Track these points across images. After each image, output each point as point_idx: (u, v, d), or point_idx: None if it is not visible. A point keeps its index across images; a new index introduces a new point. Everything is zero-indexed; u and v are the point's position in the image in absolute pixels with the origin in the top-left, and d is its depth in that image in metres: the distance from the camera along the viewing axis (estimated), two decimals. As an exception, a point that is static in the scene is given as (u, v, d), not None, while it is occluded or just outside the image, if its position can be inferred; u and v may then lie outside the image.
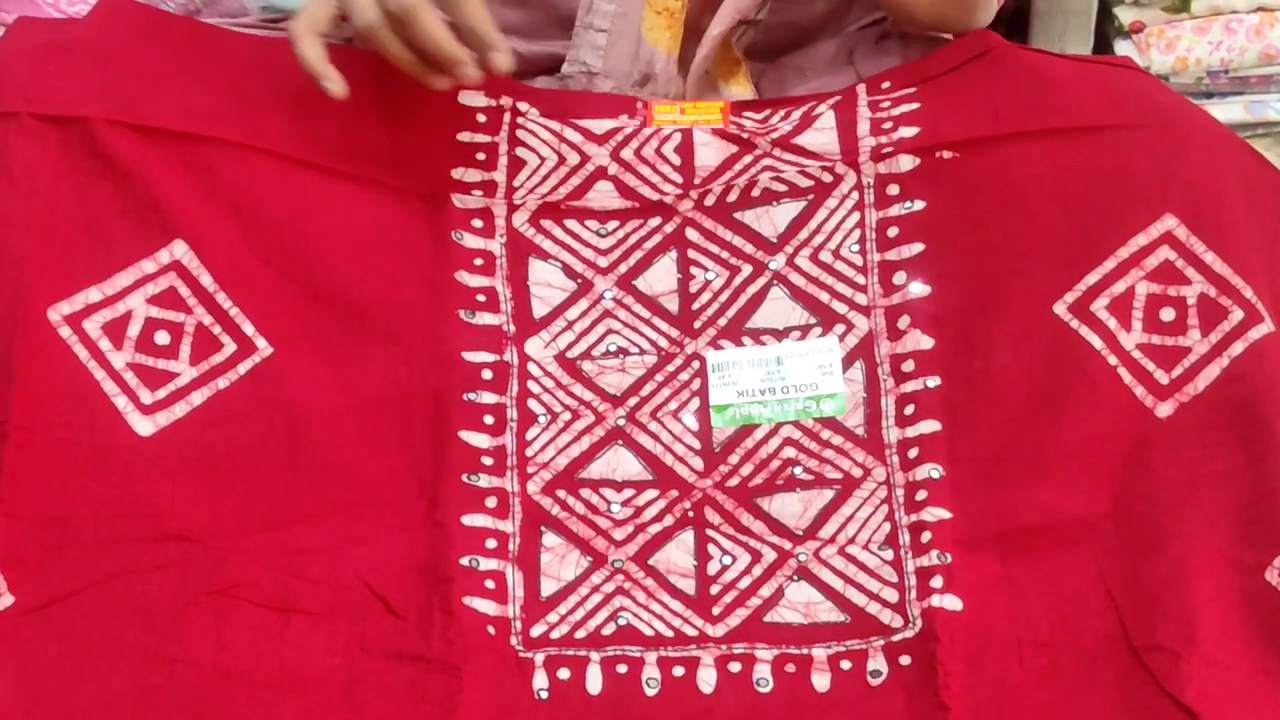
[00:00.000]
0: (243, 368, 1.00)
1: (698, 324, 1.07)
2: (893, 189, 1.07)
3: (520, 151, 1.08)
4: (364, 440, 1.02)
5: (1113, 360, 1.01)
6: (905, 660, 0.96)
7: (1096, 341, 1.01)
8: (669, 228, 1.08)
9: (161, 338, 0.99)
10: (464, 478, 1.02)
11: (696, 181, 1.08)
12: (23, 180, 0.96)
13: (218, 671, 0.94)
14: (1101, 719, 0.93)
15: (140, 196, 0.98)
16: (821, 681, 0.97)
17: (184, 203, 0.99)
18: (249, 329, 1.01)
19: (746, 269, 1.08)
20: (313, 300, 1.02)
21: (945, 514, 1.00)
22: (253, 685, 0.94)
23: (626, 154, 1.08)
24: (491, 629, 0.98)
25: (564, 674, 0.97)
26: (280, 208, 1.02)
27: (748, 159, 1.09)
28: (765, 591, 1.00)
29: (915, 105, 1.07)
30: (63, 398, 0.96)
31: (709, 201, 1.08)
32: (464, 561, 0.99)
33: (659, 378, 1.06)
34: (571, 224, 1.08)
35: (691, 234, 1.08)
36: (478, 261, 1.07)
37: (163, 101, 1.00)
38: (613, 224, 1.09)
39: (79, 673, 0.92)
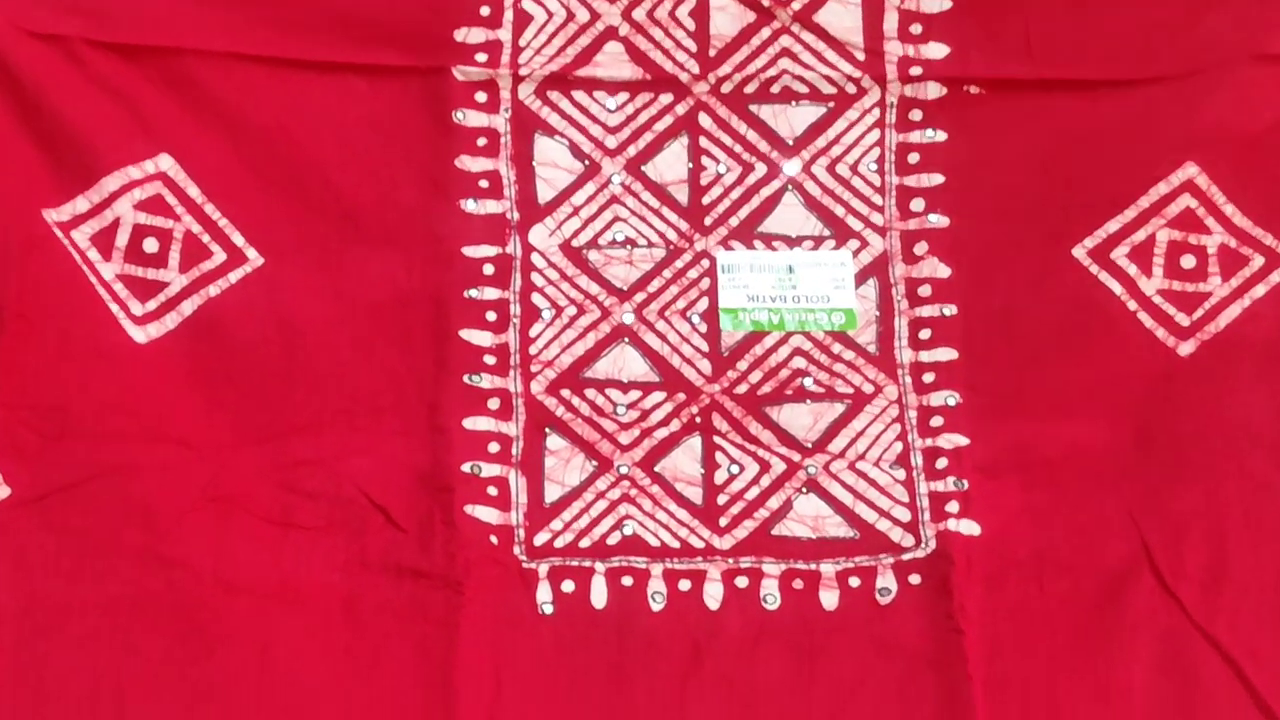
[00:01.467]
0: (234, 276, 1.00)
1: (708, 220, 1.05)
2: (915, 114, 1.06)
3: (526, 5, 1.05)
4: (361, 347, 1.00)
5: (1133, 305, 1.02)
6: (915, 579, 0.97)
7: (1116, 287, 1.02)
8: (681, 109, 1.06)
9: (150, 245, 0.99)
10: (465, 379, 1.00)
11: (711, 54, 1.05)
12: (6, 94, 0.97)
13: (217, 580, 0.93)
14: (1124, 644, 0.94)
15: (125, 112, 0.99)
16: (829, 599, 0.97)
17: (170, 119, 1.00)
18: (239, 240, 1.00)
19: (761, 168, 1.06)
20: (306, 208, 1.01)
21: (963, 440, 1.00)
22: (253, 596, 0.93)
23: (639, 14, 1.05)
24: (494, 538, 0.97)
25: (568, 586, 0.96)
26: (269, 115, 1.01)
27: (765, 33, 1.06)
28: (773, 503, 1.00)
29: (948, 4, 1.06)
30: (60, 292, 0.96)
31: (725, 89, 1.06)
32: (465, 468, 0.98)
33: (667, 274, 1.04)
34: (580, 96, 1.05)
35: (704, 120, 1.06)
36: (481, 142, 1.04)
37: (142, 15, 1.00)
38: (623, 96, 1.05)
39: (76, 571, 0.92)
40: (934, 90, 1.05)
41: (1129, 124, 1.03)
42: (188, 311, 0.98)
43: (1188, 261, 1.03)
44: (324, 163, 1.01)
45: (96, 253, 0.97)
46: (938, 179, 1.05)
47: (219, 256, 1.00)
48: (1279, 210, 1.03)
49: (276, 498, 0.96)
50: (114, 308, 0.97)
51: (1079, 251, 1.03)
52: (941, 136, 1.05)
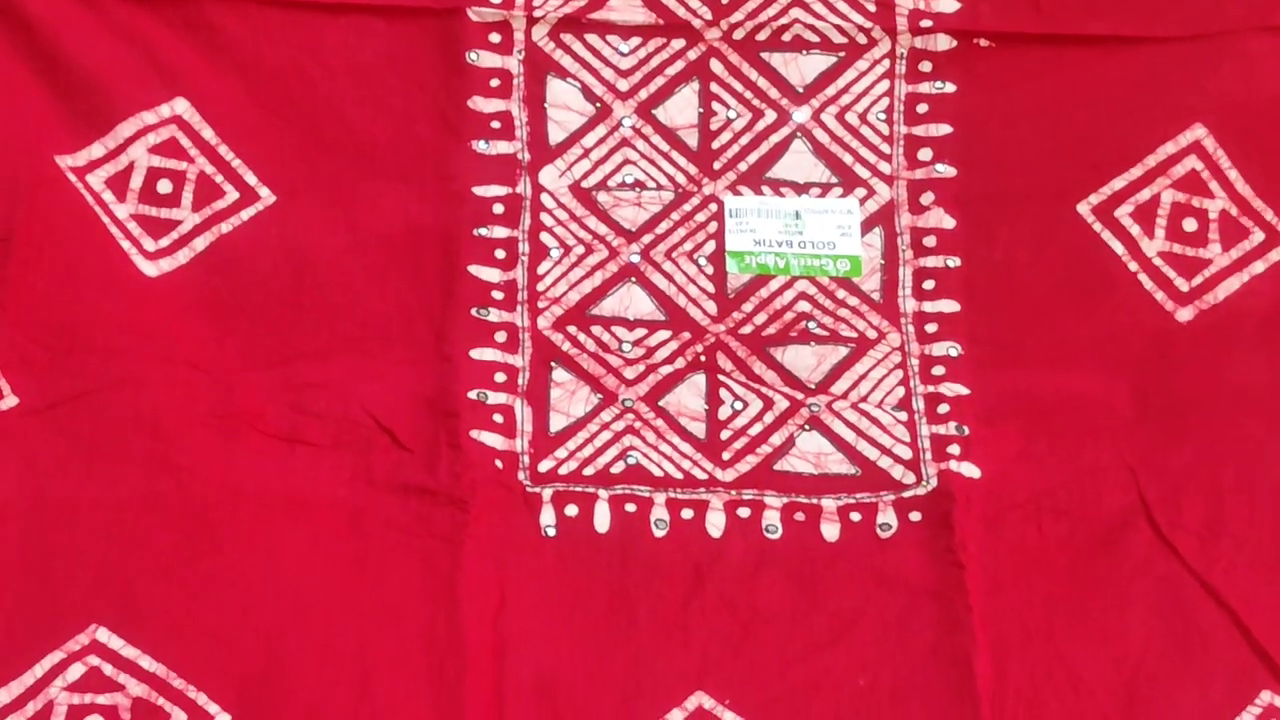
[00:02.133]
0: (246, 214, 1.02)
1: (717, 165, 1.07)
2: (925, 66, 1.08)
3: None
4: (372, 277, 1.02)
5: (1133, 266, 1.04)
6: (915, 516, 0.98)
7: (1118, 247, 1.05)
8: (693, 54, 1.08)
9: (164, 186, 1.01)
10: (473, 312, 1.02)
11: (724, 1, 1.08)
12: (24, 38, 0.99)
13: (225, 486, 0.94)
14: (1119, 588, 0.95)
15: (141, 57, 1.02)
16: (830, 531, 0.98)
17: (186, 64, 1.03)
18: (251, 179, 1.02)
19: (770, 115, 1.08)
20: (320, 145, 1.04)
21: (963, 390, 1.02)
22: (260, 503, 0.94)
23: None
24: (499, 463, 0.98)
25: (572, 510, 0.97)
26: (285, 56, 1.04)
27: None
28: (776, 439, 1.01)
29: None
30: (72, 226, 0.98)
31: (738, 36, 1.08)
32: (472, 395, 0.99)
33: (675, 216, 1.06)
34: (593, 39, 1.08)
35: (716, 66, 1.08)
36: (494, 83, 1.06)
37: None
38: (635, 40, 1.08)
39: (85, 472, 0.93)
40: (944, 42, 1.08)
41: (1137, 82, 1.05)
42: (200, 247, 1.00)
43: (1190, 225, 1.05)
44: (339, 100, 1.04)
45: (111, 194, 1.00)
46: (946, 129, 1.07)
47: (231, 195, 1.02)
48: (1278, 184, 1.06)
49: (285, 416, 0.98)
50: (125, 245, 0.99)
51: (1083, 208, 1.05)
52: (950, 88, 1.08)
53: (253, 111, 1.03)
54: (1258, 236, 1.04)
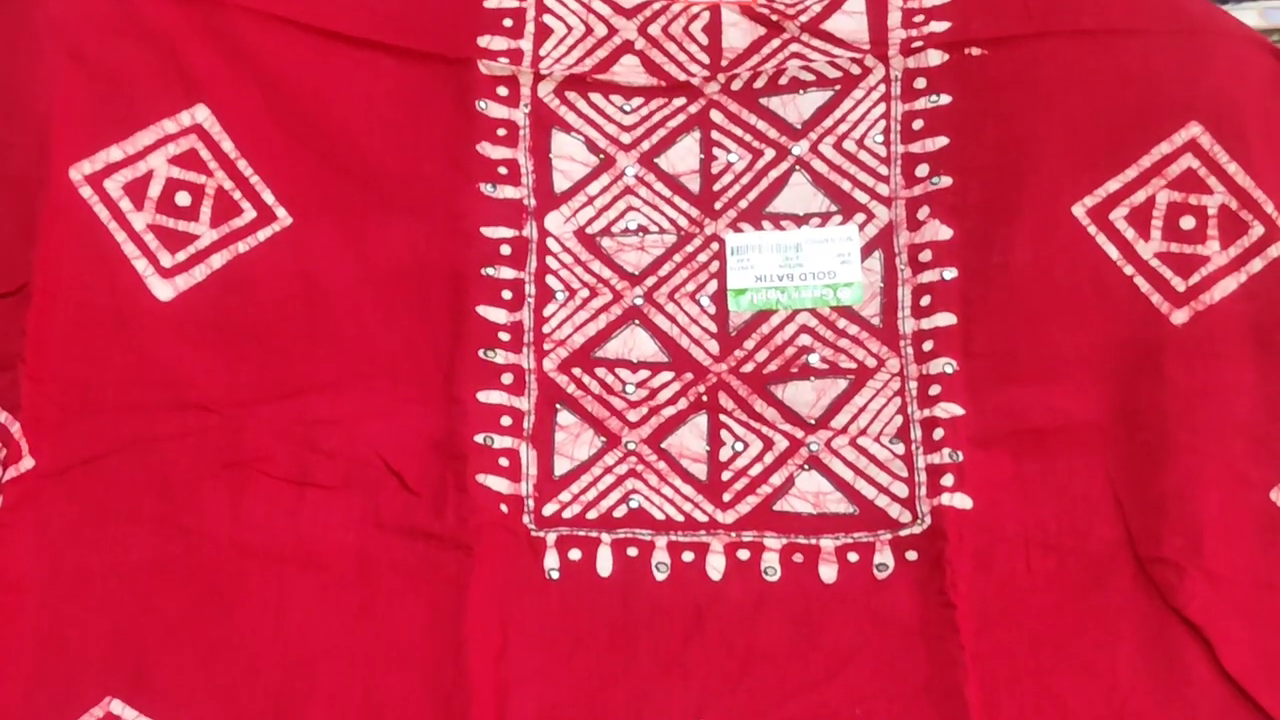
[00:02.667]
0: (262, 234, 1.02)
1: (718, 205, 1.08)
2: (920, 83, 1.09)
3: (547, 19, 1.09)
4: (381, 311, 1.03)
5: (1129, 270, 1.04)
6: (912, 556, 0.99)
7: (1113, 252, 1.04)
8: (693, 108, 1.10)
9: (182, 199, 1.01)
10: (480, 353, 1.03)
11: (723, 64, 1.09)
12: (48, 36, 0.98)
13: (233, 544, 0.96)
14: (1106, 625, 0.96)
15: (165, 59, 1.01)
16: (828, 572, 0.99)
17: (208, 69, 1.02)
18: (269, 198, 1.03)
19: (769, 153, 1.09)
20: (333, 171, 1.04)
21: (958, 410, 1.02)
22: (268, 559, 0.96)
23: (654, 30, 1.10)
24: (504, 507, 0.99)
25: (575, 555, 0.99)
26: (303, 77, 1.04)
27: (775, 43, 1.10)
28: (776, 480, 1.02)
29: None
30: (84, 259, 0.98)
31: (735, 86, 1.09)
32: (479, 439, 1.01)
33: (677, 258, 1.07)
34: (596, 98, 1.09)
35: (716, 116, 1.09)
36: (500, 132, 1.07)
37: None
38: (637, 100, 1.10)
39: (97, 539, 0.94)
40: (935, 58, 1.08)
41: (1132, 76, 1.04)
42: (217, 265, 1.01)
43: (1187, 222, 1.04)
44: (352, 130, 1.05)
45: (129, 202, 1.00)
46: (942, 141, 1.07)
47: (249, 214, 1.02)
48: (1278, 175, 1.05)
49: (295, 456, 0.99)
50: (140, 264, 0.99)
51: (1078, 210, 1.04)
52: (945, 100, 1.08)
53: (271, 127, 1.03)
54: (1257, 231, 1.03)
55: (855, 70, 1.10)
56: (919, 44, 1.09)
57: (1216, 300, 1.03)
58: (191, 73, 1.02)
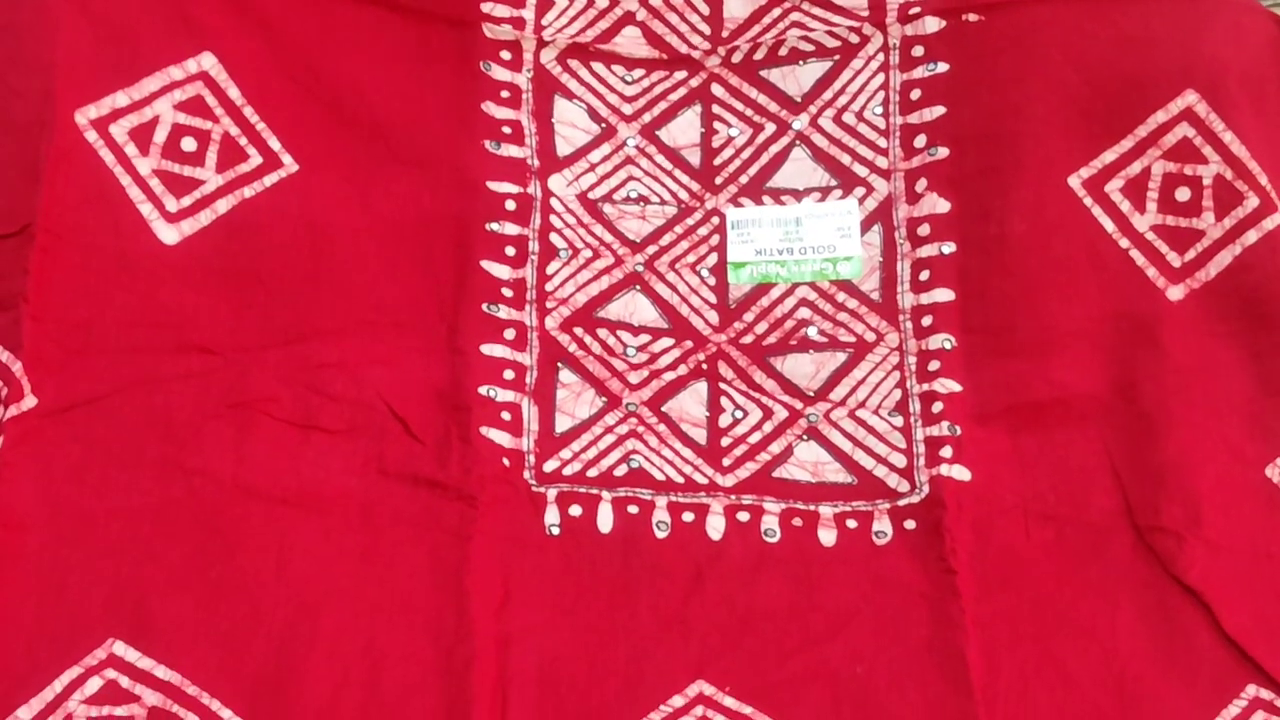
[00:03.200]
0: (268, 180, 1.02)
1: (719, 180, 1.09)
2: (918, 50, 1.10)
3: None
4: (385, 260, 1.03)
5: (1124, 243, 1.05)
6: (910, 524, 1.00)
7: (1109, 224, 1.05)
8: (695, 82, 1.11)
9: (188, 144, 1.01)
10: (484, 307, 1.04)
11: (724, 34, 1.11)
12: None
13: (237, 485, 0.95)
14: (1107, 593, 0.97)
15: (171, 6, 1.01)
16: (828, 536, 1.00)
17: (215, 17, 1.02)
18: (275, 144, 1.03)
19: (770, 127, 1.11)
20: (339, 121, 1.05)
21: (956, 386, 1.04)
22: (271, 502, 0.96)
23: (655, 0, 1.11)
24: (506, 461, 1.00)
25: (575, 511, 0.99)
26: (310, 27, 1.05)
27: (776, 12, 1.12)
28: (775, 448, 1.03)
29: None
30: (89, 202, 0.98)
31: (736, 59, 1.11)
32: (482, 391, 1.01)
33: (678, 230, 1.08)
34: (598, 67, 1.11)
35: (717, 89, 1.11)
36: (504, 94, 1.09)
37: None
38: (639, 72, 1.11)
39: (99, 479, 0.93)
40: (933, 24, 1.10)
41: (1127, 40, 1.05)
42: (222, 210, 1.01)
43: (1182, 194, 1.05)
44: (359, 82, 1.05)
45: (134, 147, 1.00)
46: (939, 111, 1.09)
47: (255, 160, 1.02)
48: (1271, 147, 1.06)
49: (299, 399, 0.99)
50: (145, 208, 0.99)
51: (1074, 181, 1.05)
52: (943, 68, 1.09)
53: (277, 75, 1.03)
54: (1252, 202, 1.04)
55: (854, 39, 1.12)
56: (916, 10, 1.10)
57: (1212, 276, 1.04)
58: (198, 20, 1.02)
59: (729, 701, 0.93)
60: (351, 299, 1.02)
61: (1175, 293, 1.04)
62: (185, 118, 1.02)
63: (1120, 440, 1.02)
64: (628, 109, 1.10)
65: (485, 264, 1.05)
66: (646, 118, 1.10)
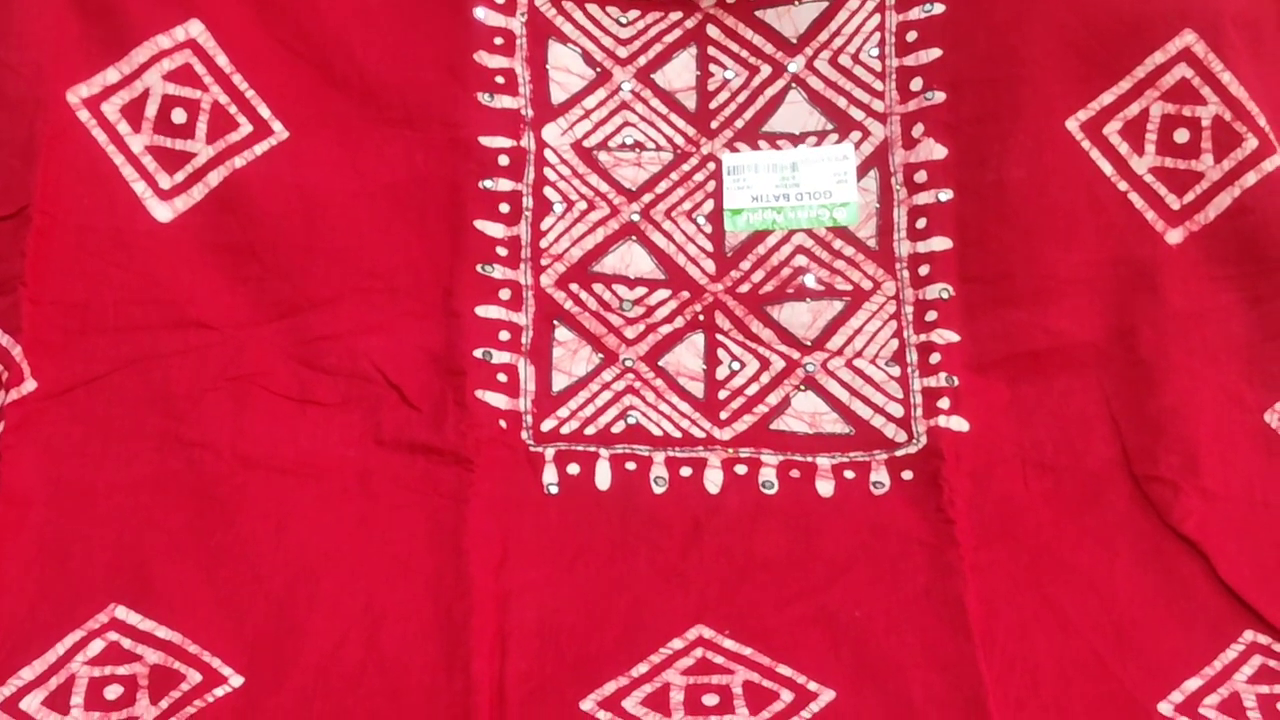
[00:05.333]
0: (259, 149, 1.04)
1: (715, 124, 1.11)
2: None
3: None
4: (379, 226, 1.05)
5: (1123, 186, 1.07)
6: (908, 475, 1.02)
7: (1107, 167, 1.07)
8: (690, 23, 1.12)
9: (178, 116, 1.03)
10: (478, 268, 1.06)
11: None
12: None
13: (235, 456, 0.99)
14: (1104, 541, 1.00)
15: None
16: (825, 487, 1.02)
17: None
18: (265, 112, 1.05)
19: (765, 70, 1.12)
20: (329, 84, 1.06)
21: (954, 337, 1.06)
22: (269, 470, 0.99)
23: None
24: (503, 423, 1.03)
25: (573, 469, 1.02)
26: None
27: None
28: (772, 399, 1.06)
29: None
30: (83, 183, 1.00)
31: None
32: (477, 354, 1.04)
33: (674, 176, 1.10)
34: (593, 9, 1.12)
35: (712, 30, 1.12)
36: (497, 41, 1.10)
37: None
38: (633, 13, 1.12)
39: (101, 456, 0.97)
40: None
41: None
42: (214, 183, 1.03)
43: (1181, 136, 1.06)
44: (349, 41, 1.06)
45: (126, 125, 1.02)
46: (935, 53, 1.10)
47: (245, 128, 1.04)
48: (1273, 81, 1.07)
49: (295, 373, 1.02)
50: (139, 186, 1.01)
51: (1072, 124, 1.07)
52: (940, 9, 1.10)
53: (265, 40, 1.05)
54: (1251, 143, 1.05)
55: None
56: None
57: (1211, 219, 1.06)
58: None
59: (728, 643, 0.95)
60: (345, 267, 1.04)
61: (1174, 236, 1.06)
62: (175, 88, 1.03)
63: (1118, 388, 1.04)
64: (622, 52, 1.11)
65: (479, 223, 1.07)
66: (642, 60, 1.12)
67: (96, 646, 0.89)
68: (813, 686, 0.92)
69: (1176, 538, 0.99)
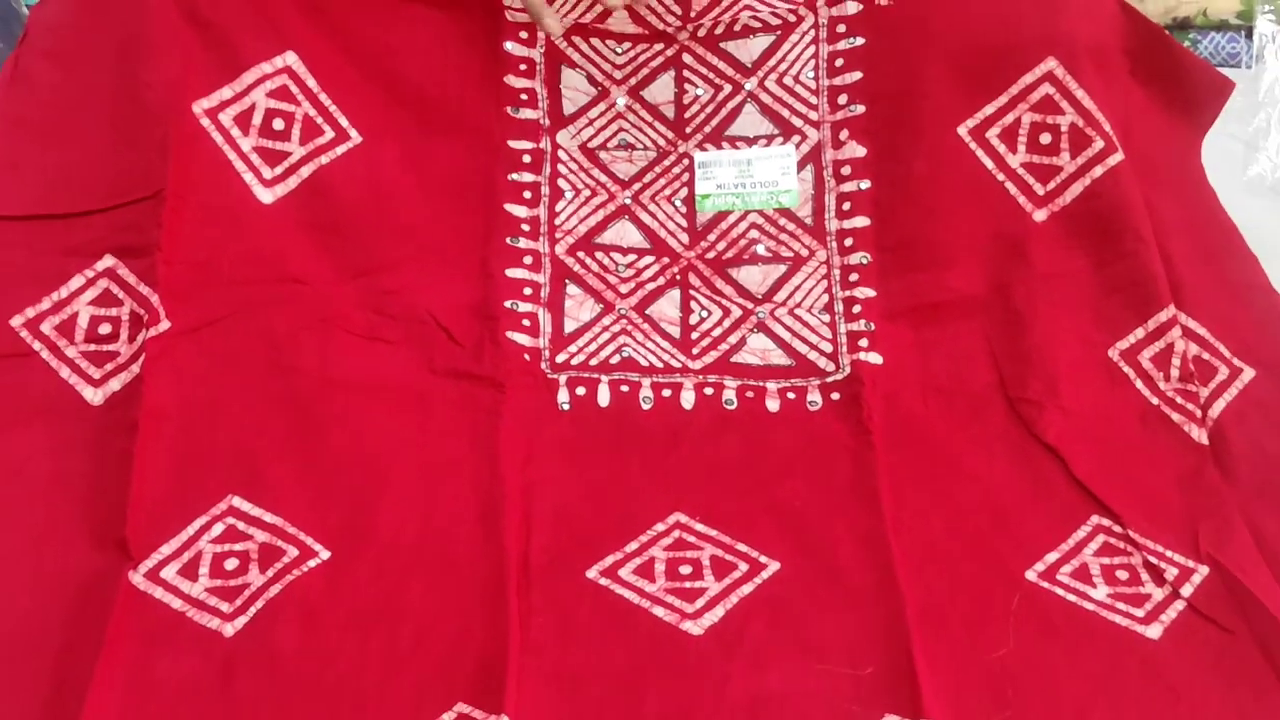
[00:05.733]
0: (340, 150, 1.03)
1: (689, 129, 1.10)
2: (841, 28, 1.10)
3: None
4: (431, 210, 1.05)
5: (1000, 177, 1.06)
6: (836, 396, 1.02)
7: (989, 163, 1.06)
8: (669, 52, 1.11)
9: (278, 124, 1.02)
10: (507, 240, 1.06)
11: (692, 14, 1.11)
12: (172, 2, 0.99)
13: (323, 380, 0.98)
14: (984, 447, 0.99)
15: (259, 15, 1.01)
16: (773, 405, 1.02)
17: (294, 20, 1.02)
18: (344, 122, 1.04)
19: (727, 88, 1.11)
20: (394, 100, 1.05)
21: (871, 293, 1.05)
22: (348, 392, 0.98)
23: None
24: (527, 356, 1.02)
25: (581, 391, 1.02)
26: (367, 24, 1.05)
27: None
28: (732, 339, 1.05)
29: None
30: (205, 173, 0.99)
31: (701, 33, 1.11)
32: (507, 304, 1.04)
33: (657, 169, 1.09)
34: (595, 42, 1.11)
35: (687, 58, 1.11)
36: (522, 67, 1.09)
37: None
38: (626, 45, 1.11)
39: (220, 381, 0.96)
40: (852, 7, 1.09)
41: (1001, 21, 1.05)
42: (305, 175, 1.02)
43: (1045, 138, 1.05)
44: (408, 67, 1.05)
45: (238, 130, 1.01)
46: (858, 75, 1.09)
47: (329, 134, 1.03)
48: (1114, 99, 1.07)
49: (367, 319, 1.01)
50: (248, 176, 1.00)
51: (962, 130, 1.06)
52: (861, 41, 1.09)
53: (344, 67, 1.03)
54: (1098, 144, 1.04)
55: (792, 18, 1.11)
56: None
57: (1068, 202, 1.05)
58: (281, 25, 1.02)
59: (699, 526, 0.95)
60: (406, 239, 1.04)
61: (1040, 215, 1.05)
62: (274, 103, 1.02)
63: (997, 331, 1.04)
64: (618, 74, 1.10)
65: (508, 206, 1.06)
66: (633, 81, 1.10)
67: (218, 528, 0.89)
68: (763, 559, 0.92)
69: (1040, 445, 0.99)
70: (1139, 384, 1.02)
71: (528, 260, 1.06)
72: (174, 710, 0.79)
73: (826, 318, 1.06)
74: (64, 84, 1.01)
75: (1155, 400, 1.01)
